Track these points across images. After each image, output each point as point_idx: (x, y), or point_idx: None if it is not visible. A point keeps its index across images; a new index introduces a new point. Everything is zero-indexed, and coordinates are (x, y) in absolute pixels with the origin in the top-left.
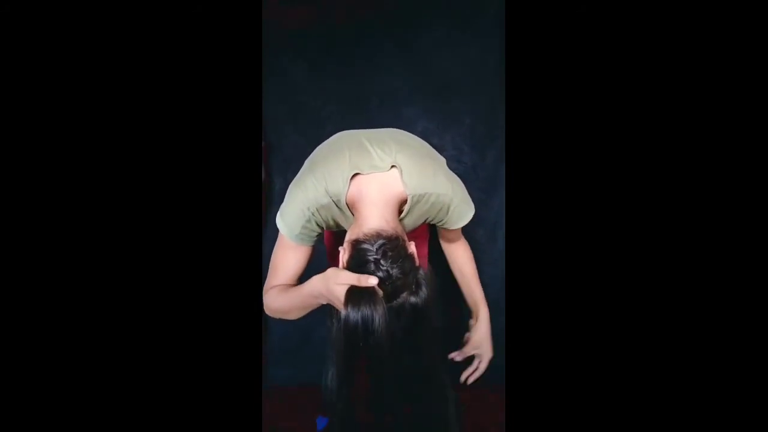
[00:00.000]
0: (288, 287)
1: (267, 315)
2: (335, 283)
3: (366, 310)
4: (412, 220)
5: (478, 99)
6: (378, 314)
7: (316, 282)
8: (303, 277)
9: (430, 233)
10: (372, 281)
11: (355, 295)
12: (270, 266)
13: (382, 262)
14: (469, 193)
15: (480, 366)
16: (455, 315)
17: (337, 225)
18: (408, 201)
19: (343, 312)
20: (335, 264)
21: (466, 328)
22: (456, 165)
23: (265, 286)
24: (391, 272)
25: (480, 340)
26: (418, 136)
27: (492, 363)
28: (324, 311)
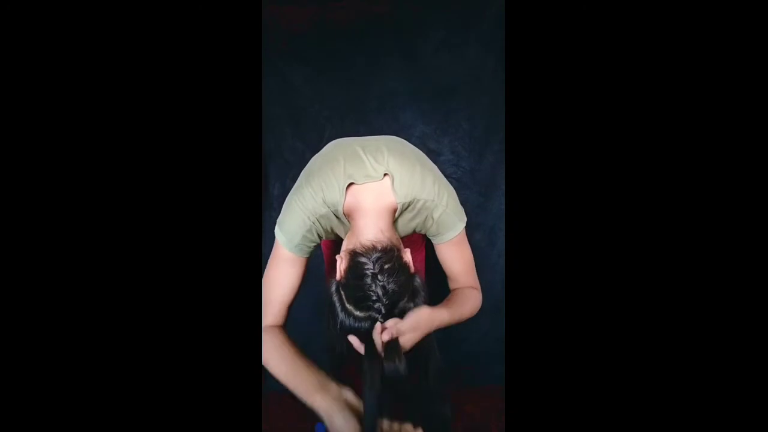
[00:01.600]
0: (284, 347)
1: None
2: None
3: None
4: (401, 226)
5: (477, 102)
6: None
7: (315, 403)
8: (299, 296)
9: (426, 241)
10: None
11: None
12: (263, 290)
13: (379, 276)
14: (468, 197)
15: (396, 334)
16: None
17: (336, 234)
18: (398, 208)
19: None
20: (334, 273)
21: (460, 331)
22: (454, 169)
23: (263, 316)
24: (387, 287)
25: (419, 321)
26: (417, 140)
27: (492, 364)
28: (323, 314)
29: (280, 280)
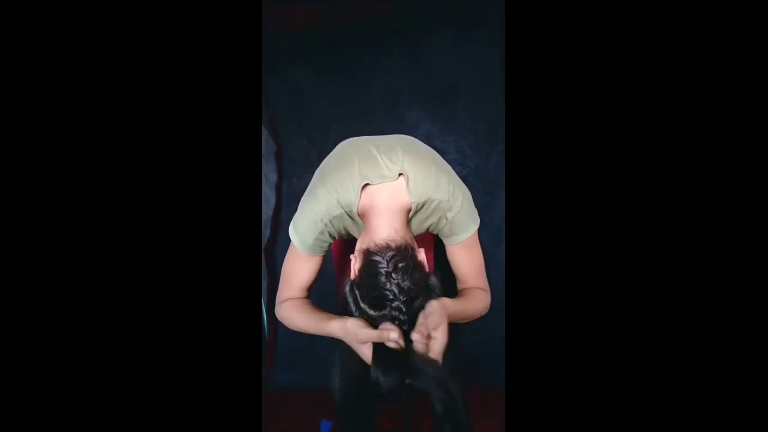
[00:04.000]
0: (307, 307)
1: (269, 318)
2: (358, 342)
3: (397, 376)
4: (415, 226)
5: (482, 101)
6: (409, 376)
7: (335, 328)
8: (315, 287)
9: (435, 240)
10: (393, 336)
11: (383, 361)
12: (282, 276)
13: (393, 275)
14: (473, 196)
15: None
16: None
17: (349, 234)
18: (412, 208)
19: (373, 375)
20: (343, 272)
21: (461, 331)
22: (459, 168)
23: (278, 295)
24: (402, 285)
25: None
26: (422, 139)
27: (495, 364)
28: (332, 311)
29: (297, 273)
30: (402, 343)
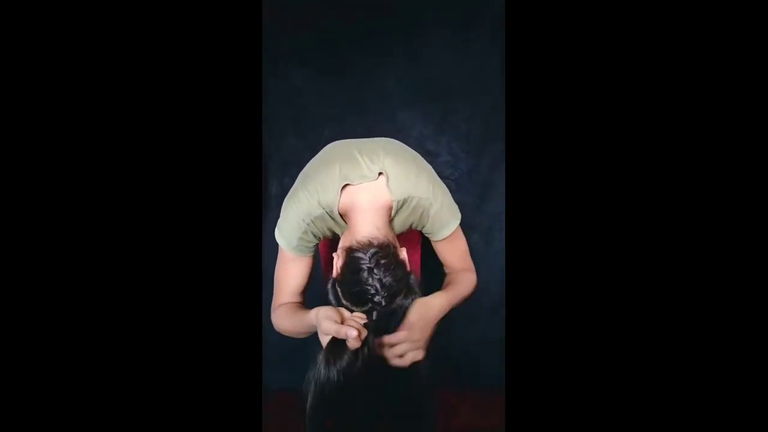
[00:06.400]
0: (294, 308)
1: (266, 319)
2: (320, 332)
3: (340, 368)
4: (398, 224)
5: (476, 103)
6: (353, 370)
7: (311, 317)
8: (307, 288)
9: (422, 239)
10: (351, 334)
11: (333, 351)
12: (274, 282)
13: (375, 270)
14: (465, 199)
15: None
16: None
17: (333, 233)
18: (393, 206)
19: (320, 365)
20: (331, 271)
21: (457, 332)
22: (451, 170)
23: (272, 303)
24: (383, 280)
25: (413, 322)
26: (415, 140)
27: (490, 365)
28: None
29: (288, 277)
30: (358, 344)
